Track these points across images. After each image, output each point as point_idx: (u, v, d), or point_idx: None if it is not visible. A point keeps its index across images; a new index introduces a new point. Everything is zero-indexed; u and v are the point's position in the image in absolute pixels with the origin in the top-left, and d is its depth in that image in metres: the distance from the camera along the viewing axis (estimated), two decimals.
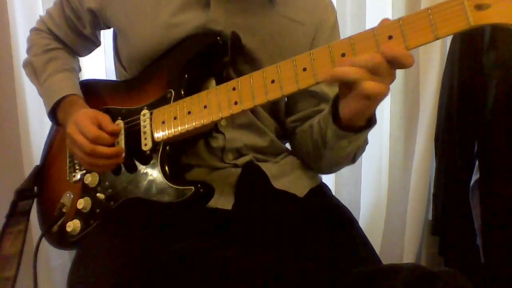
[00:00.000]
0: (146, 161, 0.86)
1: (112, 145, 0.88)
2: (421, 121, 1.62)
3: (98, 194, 0.90)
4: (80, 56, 1.11)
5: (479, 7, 0.59)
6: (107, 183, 0.90)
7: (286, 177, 0.94)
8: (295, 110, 0.99)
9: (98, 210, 0.90)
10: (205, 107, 0.80)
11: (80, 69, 1.10)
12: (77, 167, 0.97)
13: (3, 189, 1.41)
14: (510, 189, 1.25)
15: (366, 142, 0.89)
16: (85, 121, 0.86)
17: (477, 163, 1.35)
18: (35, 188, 1.05)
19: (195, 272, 0.77)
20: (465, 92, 1.38)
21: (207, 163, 0.93)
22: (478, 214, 1.35)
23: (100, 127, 0.87)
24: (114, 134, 0.88)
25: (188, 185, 0.82)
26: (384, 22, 0.66)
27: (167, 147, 0.85)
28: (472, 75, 1.34)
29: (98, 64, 1.47)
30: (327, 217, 0.90)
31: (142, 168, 0.87)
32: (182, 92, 0.86)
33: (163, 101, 0.87)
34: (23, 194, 1.02)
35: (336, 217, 0.91)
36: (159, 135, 0.85)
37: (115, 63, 1.06)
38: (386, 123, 1.62)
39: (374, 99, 0.68)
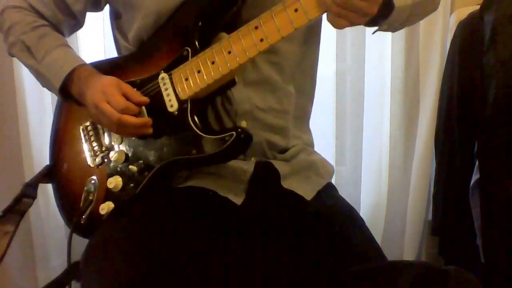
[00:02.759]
0: (174, 122, 0.87)
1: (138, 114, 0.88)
2: (421, 121, 1.61)
3: (130, 167, 0.90)
4: (64, 36, 1.05)
5: None
6: (136, 155, 0.90)
7: (295, 176, 0.94)
8: None
9: (132, 185, 0.90)
10: (229, 52, 0.81)
11: None
12: (97, 151, 0.96)
13: (3, 188, 1.41)
14: (510, 189, 1.24)
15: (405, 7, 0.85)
16: (113, 90, 0.86)
17: (477, 163, 1.35)
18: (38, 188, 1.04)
19: (201, 270, 0.77)
20: (465, 92, 1.37)
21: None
22: (478, 214, 1.34)
23: (126, 96, 0.87)
24: (141, 104, 0.88)
25: (227, 131, 0.83)
26: None
27: (194, 102, 0.86)
28: (472, 75, 1.33)
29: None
30: (333, 218, 0.90)
31: (172, 130, 0.87)
32: (199, 48, 0.86)
33: (181, 60, 0.87)
34: (29, 189, 1.01)
35: (342, 218, 0.91)
36: (185, 92, 0.86)
37: (118, 44, 1.03)
38: (386, 123, 1.62)
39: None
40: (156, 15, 0.90)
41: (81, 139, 0.99)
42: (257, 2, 0.87)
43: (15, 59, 1.32)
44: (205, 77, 0.84)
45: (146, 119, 0.87)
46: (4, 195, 1.40)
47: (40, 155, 1.44)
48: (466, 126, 1.38)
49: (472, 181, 1.38)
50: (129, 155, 0.91)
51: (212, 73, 0.83)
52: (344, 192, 1.64)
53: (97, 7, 1.02)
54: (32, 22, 0.97)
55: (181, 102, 0.86)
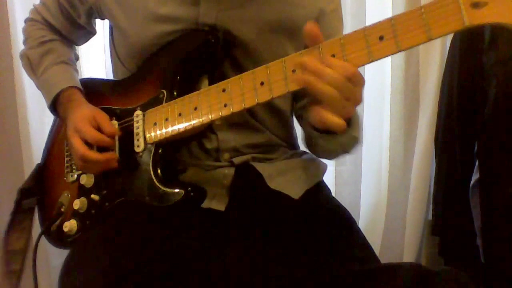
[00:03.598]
0: (139, 162, 0.86)
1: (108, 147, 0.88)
2: (421, 121, 1.62)
3: (92, 196, 0.90)
4: (77, 45, 1.11)
5: (475, 5, 0.57)
6: (102, 184, 0.90)
7: (282, 177, 0.93)
8: (300, 96, 0.98)
9: (93, 211, 0.90)
10: (195, 109, 0.79)
11: (77, 58, 1.10)
12: (74, 167, 0.97)
13: (4, 188, 1.41)
14: (510, 189, 1.24)
15: (354, 139, 0.86)
16: (84, 126, 0.87)
17: (477, 163, 1.35)
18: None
19: (188, 274, 0.77)
20: (465, 92, 1.37)
21: (203, 163, 0.92)
22: (478, 214, 1.34)
23: (98, 128, 0.87)
24: (112, 136, 0.88)
25: (179, 188, 0.81)
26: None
27: (160, 149, 0.85)
28: (472, 75, 1.33)
29: (98, 64, 1.47)
30: (323, 218, 0.89)
31: (135, 170, 0.86)
32: (175, 93, 0.85)
33: (156, 101, 0.86)
34: (26, 193, 1.02)
35: (333, 218, 0.90)
36: (151, 137, 0.84)
37: (111, 57, 1.05)
38: (386, 123, 1.62)
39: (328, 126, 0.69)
40: (141, 48, 0.90)
41: (65, 152, 1.00)
42: (239, 60, 0.88)
43: (15, 60, 1.34)
44: (170, 127, 0.81)
45: (110, 154, 0.87)
46: (4, 194, 1.40)
47: (40, 155, 1.43)
48: (466, 126, 1.38)
49: (472, 181, 1.38)
50: (96, 182, 0.91)
51: (177, 125, 0.81)
52: (344, 192, 1.65)
53: (102, 19, 1.03)
54: (41, 36, 1.02)
55: (146, 144, 0.85)
